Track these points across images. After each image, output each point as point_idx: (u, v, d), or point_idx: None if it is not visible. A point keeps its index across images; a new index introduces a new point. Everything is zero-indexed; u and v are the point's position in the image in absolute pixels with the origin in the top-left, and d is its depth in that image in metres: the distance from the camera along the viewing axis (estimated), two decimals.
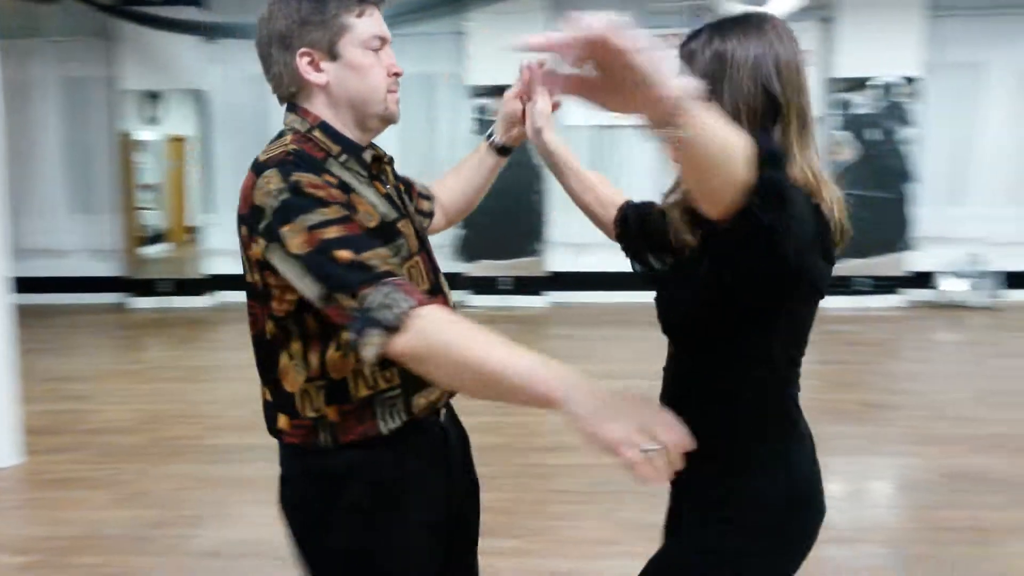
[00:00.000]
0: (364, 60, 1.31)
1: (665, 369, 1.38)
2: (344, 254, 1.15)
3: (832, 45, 7.24)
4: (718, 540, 1.26)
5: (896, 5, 7.09)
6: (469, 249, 7.57)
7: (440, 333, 1.09)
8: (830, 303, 7.27)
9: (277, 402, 1.32)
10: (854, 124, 7.25)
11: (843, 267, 7.33)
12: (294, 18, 1.27)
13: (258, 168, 1.23)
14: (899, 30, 7.15)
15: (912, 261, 7.45)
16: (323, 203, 1.18)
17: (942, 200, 7.58)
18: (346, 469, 1.31)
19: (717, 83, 1.17)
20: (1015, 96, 7.40)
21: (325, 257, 1.15)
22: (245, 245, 1.26)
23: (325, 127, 1.32)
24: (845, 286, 7.37)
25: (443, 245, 7.54)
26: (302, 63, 1.29)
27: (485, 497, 1.54)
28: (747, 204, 0.94)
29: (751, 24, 1.19)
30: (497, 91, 7.16)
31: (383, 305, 1.11)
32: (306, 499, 1.34)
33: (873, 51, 7.13)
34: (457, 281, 7.48)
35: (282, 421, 1.32)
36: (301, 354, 1.28)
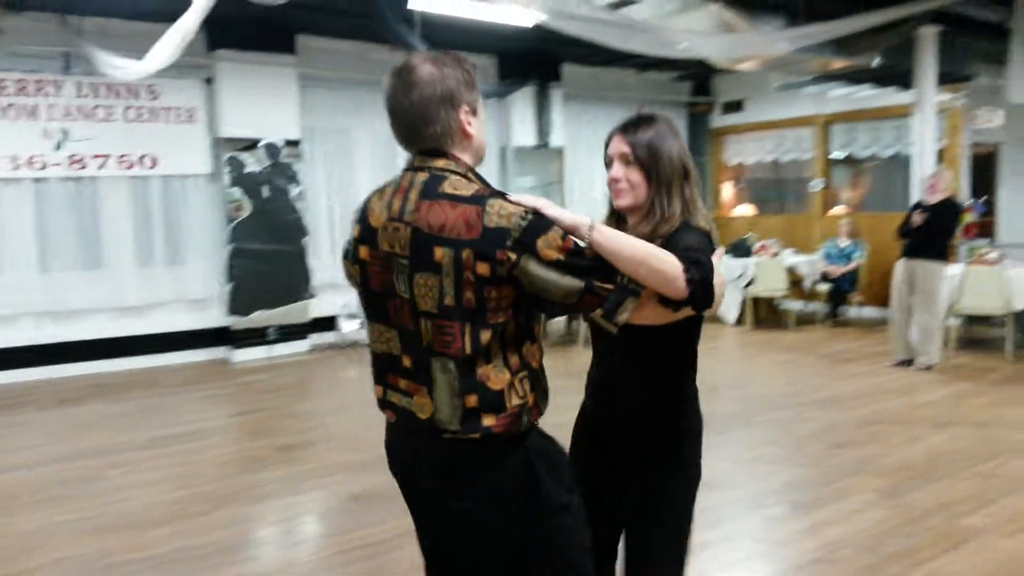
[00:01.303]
0: (483, 117, 1.65)
1: (622, 374, 1.91)
2: (589, 252, 1.52)
3: (216, 106, 7.48)
4: (690, 467, 1.92)
5: (273, 73, 7.67)
6: None
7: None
8: (242, 356, 7.52)
9: (483, 405, 1.53)
10: (246, 182, 7.60)
11: (253, 319, 7.60)
12: (461, 79, 1.58)
13: (473, 200, 1.50)
14: (277, 95, 7.74)
15: (314, 308, 8.11)
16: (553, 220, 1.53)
17: (333, 252, 8.46)
18: (539, 444, 1.62)
19: (656, 160, 1.82)
20: (377, 157, 8.68)
21: (581, 258, 1.51)
22: (463, 267, 1.48)
23: (474, 171, 1.62)
24: (258, 337, 7.65)
25: None
26: (464, 118, 1.59)
27: None
28: (693, 296, 1.56)
29: (665, 122, 1.87)
30: None
31: (631, 281, 1.52)
32: (515, 480, 1.56)
33: (256, 114, 7.58)
34: None
35: (488, 420, 1.53)
36: (501, 356, 1.54)
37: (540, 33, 7.09)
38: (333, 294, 8.27)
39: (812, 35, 6.10)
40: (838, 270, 8.85)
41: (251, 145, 7.60)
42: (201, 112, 7.48)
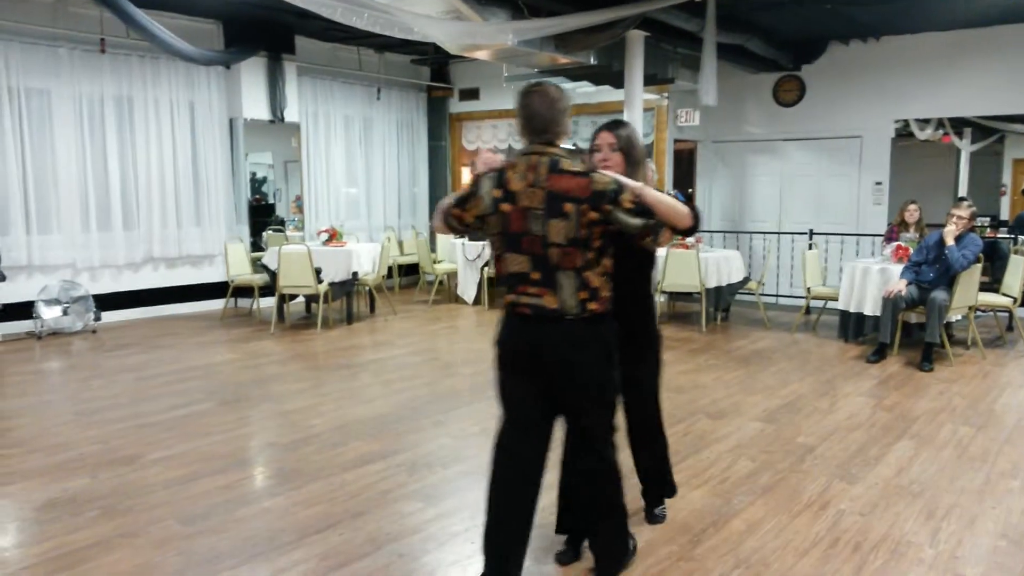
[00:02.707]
0: None
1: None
2: (641, 203, 2.53)
3: None
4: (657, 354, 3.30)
5: None
6: None
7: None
8: None
9: (589, 296, 2.56)
10: None
11: None
12: (567, 101, 2.61)
13: (584, 174, 2.52)
14: None
15: (5, 293, 7.10)
16: None
17: (27, 229, 7.45)
18: (613, 321, 2.70)
19: (632, 148, 2.93)
20: (84, 122, 7.76)
21: (640, 206, 2.52)
22: (582, 214, 2.49)
23: (569, 153, 2.61)
24: None
25: None
26: (569, 123, 2.63)
27: None
28: (692, 226, 2.66)
29: (631, 125, 3.04)
30: None
31: (660, 219, 2.57)
32: (605, 340, 2.64)
33: None
34: None
35: (592, 305, 2.57)
36: (596, 266, 2.57)
37: (267, 1, 6.77)
38: (29, 277, 7.30)
39: (534, 29, 6.41)
40: None
41: None
42: None
